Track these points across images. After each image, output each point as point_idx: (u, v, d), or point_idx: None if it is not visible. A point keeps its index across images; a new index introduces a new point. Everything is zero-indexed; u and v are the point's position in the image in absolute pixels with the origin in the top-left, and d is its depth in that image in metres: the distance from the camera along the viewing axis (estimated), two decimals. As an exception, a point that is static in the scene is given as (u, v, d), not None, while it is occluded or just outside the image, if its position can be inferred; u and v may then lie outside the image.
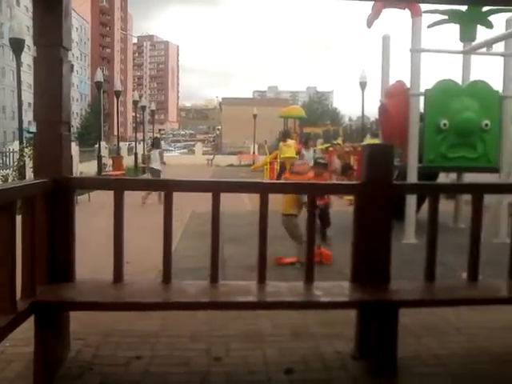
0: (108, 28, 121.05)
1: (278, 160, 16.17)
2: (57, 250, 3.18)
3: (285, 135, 16.41)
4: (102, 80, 22.92)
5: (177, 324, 3.94)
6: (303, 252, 5.93)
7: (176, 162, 35.88)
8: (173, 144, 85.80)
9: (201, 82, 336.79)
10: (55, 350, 3.11)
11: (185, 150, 57.72)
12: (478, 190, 3.62)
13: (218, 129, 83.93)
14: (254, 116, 37.74)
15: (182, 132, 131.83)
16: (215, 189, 3.35)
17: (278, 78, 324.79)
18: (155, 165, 14.19)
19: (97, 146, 22.80)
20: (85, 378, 3.07)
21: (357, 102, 22.66)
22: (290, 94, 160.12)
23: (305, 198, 3.91)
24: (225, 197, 3.39)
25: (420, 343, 3.68)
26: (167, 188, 3.31)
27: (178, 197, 3.41)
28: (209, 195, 3.37)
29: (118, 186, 3.33)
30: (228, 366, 3.28)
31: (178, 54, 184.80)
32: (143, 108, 34.60)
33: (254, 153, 36.78)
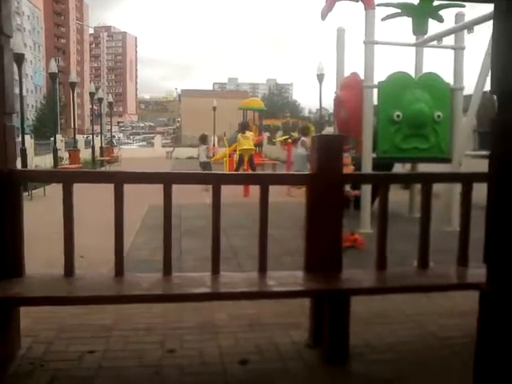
0: (63, 17, 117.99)
1: (237, 152, 16.15)
2: (4, 245, 3.10)
3: (243, 127, 16.37)
4: (57, 71, 22.30)
5: (131, 317, 3.91)
6: None
7: (135, 155, 35.48)
8: (131, 137, 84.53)
9: (160, 73, 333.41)
10: (4, 348, 3.04)
11: (144, 143, 57.00)
12: (427, 180, 3.72)
13: (178, 121, 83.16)
14: (214, 108, 37.52)
15: (142, 124, 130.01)
16: (166, 180, 3.32)
17: (239, 70, 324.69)
18: (203, 158, 15.39)
19: (53, 138, 22.25)
20: (36, 374, 3.01)
21: (316, 95, 22.79)
22: (250, 86, 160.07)
23: None
24: (183, 189, 3.36)
25: (372, 331, 3.75)
26: (116, 180, 3.26)
27: (136, 189, 3.37)
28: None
29: (66, 179, 3.27)
30: (182, 358, 3.28)
31: (136, 46, 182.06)
32: (100, 100, 33.97)
33: (213, 145, 36.58)
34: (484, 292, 1.67)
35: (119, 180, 3.30)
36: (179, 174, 3.91)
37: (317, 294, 3.30)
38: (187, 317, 3.95)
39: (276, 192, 9.48)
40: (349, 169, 7.05)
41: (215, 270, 3.40)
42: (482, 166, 7.63)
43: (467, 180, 3.75)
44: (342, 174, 3.52)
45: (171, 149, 38.49)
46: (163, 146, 41.63)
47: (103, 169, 24.06)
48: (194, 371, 3.13)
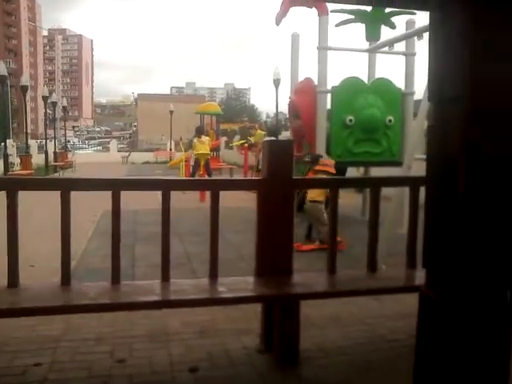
0: (14, 17, 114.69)
1: (193, 157, 16.05)
2: None
3: (199, 131, 16.29)
4: (7, 73, 21.68)
5: (81, 327, 3.82)
6: (327, 236, 6.47)
7: (90, 160, 34.79)
8: (87, 141, 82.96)
9: (117, 77, 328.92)
10: None
11: (99, 148, 55.98)
12: (376, 184, 3.77)
13: (135, 125, 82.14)
14: (171, 112, 37.25)
15: (97, 129, 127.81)
16: (115, 187, 3.26)
17: (197, 75, 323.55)
18: None
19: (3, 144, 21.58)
20: (-24, 391, 2.91)
21: (273, 99, 22.94)
22: (207, 90, 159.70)
23: None
24: (138, 195, 3.30)
25: (323, 334, 3.78)
26: (62, 187, 3.18)
27: (90, 194, 3.28)
28: (126, 194, 3.28)
29: (10, 187, 3.17)
30: (131, 367, 3.22)
31: (92, 49, 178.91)
32: (54, 104, 33.22)
33: (170, 149, 36.33)
34: (423, 295, 1.69)
35: (65, 187, 3.21)
36: (128, 180, 3.85)
37: (267, 299, 3.30)
38: (138, 325, 3.89)
39: (236, 197, 9.51)
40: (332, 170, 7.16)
41: (165, 278, 3.36)
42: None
43: (414, 183, 3.82)
44: (292, 179, 3.54)
45: (127, 154, 37.96)
46: (119, 151, 41.02)
47: (56, 175, 23.52)
48: (143, 380, 3.08)
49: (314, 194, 6.86)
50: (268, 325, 3.41)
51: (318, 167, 7.18)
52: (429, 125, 1.66)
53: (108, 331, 3.76)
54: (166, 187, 3.38)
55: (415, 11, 8.48)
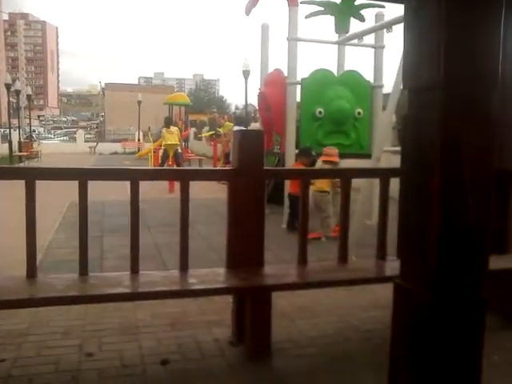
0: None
1: (162, 147, 15.91)
2: None
3: (168, 122, 16.14)
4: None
5: (48, 321, 3.74)
6: (328, 226, 6.98)
7: (56, 150, 34.21)
8: (53, 131, 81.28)
9: (84, 66, 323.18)
10: None
11: (66, 138, 54.90)
12: (346, 175, 3.78)
13: (102, 115, 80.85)
14: (139, 102, 36.77)
15: (64, 119, 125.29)
16: (81, 176, 3.18)
17: (165, 65, 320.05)
18: None
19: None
20: None
21: (243, 91, 22.82)
22: (176, 80, 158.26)
23: None
24: (106, 186, 3.22)
25: (295, 326, 3.78)
26: (27, 176, 3.08)
27: (58, 184, 3.20)
28: (93, 185, 3.20)
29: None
30: (101, 361, 3.17)
31: (57, 36, 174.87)
32: (18, 92, 32.42)
33: (138, 140, 35.95)
34: (398, 285, 1.70)
35: (31, 176, 3.12)
36: (95, 169, 3.78)
37: (238, 290, 3.28)
38: (107, 318, 3.83)
39: (206, 188, 9.45)
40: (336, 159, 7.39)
41: (134, 269, 3.31)
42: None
43: (384, 175, 3.85)
44: (263, 170, 3.51)
45: (94, 144, 37.43)
46: (86, 141, 40.40)
47: (22, 165, 23.00)
48: (113, 374, 3.03)
49: (322, 185, 7.02)
50: (239, 316, 3.40)
51: (324, 158, 7.32)
52: (404, 114, 1.65)
53: (76, 324, 3.69)
54: (134, 177, 3.32)
55: (384, 4, 8.56)
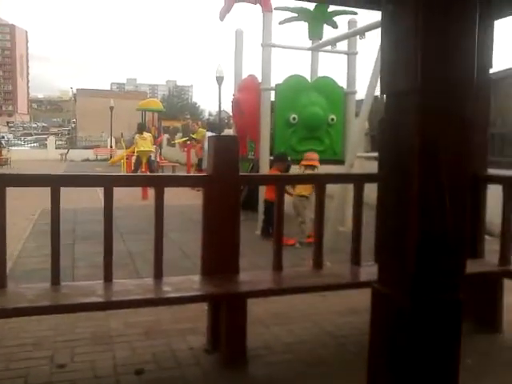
0: None
1: (135, 154, 15.77)
2: None
3: (141, 128, 16.03)
4: None
5: (17, 332, 3.64)
6: (303, 232, 6.99)
7: (26, 156, 33.61)
8: (23, 138, 79.93)
9: (55, 72, 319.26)
10: None
11: (36, 144, 54.03)
12: (320, 181, 3.79)
13: (73, 122, 79.81)
14: (111, 108, 36.48)
15: (34, 125, 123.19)
16: (54, 183, 3.11)
17: (137, 71, 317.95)
18: None
19: None
20: None
21: (216, 97, 22.84)
22: (149, 86, 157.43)
23: None
24: (79, 192, 3.16)
25: (270, 332, 3.77)
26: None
27: (30, 192, 3.11)
28: (65, 192, 3.13)
29: None
30: (73, 372, 3.09)
31: (27, 40, 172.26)
32: (-14, 98, 31.84)
33: (111, 147, 35.60)
34: (376, 290, 1.70)
35: (1, 183, 3.03)
36: (68, 176, 3.70)
37: (213, 298, 3.25)
38: (80, 327, 3.75)
39: (180, 195, 9.37)
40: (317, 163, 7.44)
41: (108, 278, 3.25)
42: (374, 166, 7.91)
43: (358, 181, 3.86)
44: (238, 176, 3.50)
45: (66, 151, 36.93)
46: (57, 148, 39.79)
47: (-7, 171, 22.54)
48: (85, 386, 2.96)
49: (301, 190, 7.06)
50: (214, 324, 3.36)
51: (304, 162, 7.39)
52: (381, 118, 1.65)
53: (48, 335, 3.61)
54: (108, 183, 3.27)
55: (357, 11, 8.65)
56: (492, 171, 4.06)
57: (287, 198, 4.55)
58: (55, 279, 3.18)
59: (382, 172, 1.63)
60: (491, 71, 3.81)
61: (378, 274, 1.68)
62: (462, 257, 1.57)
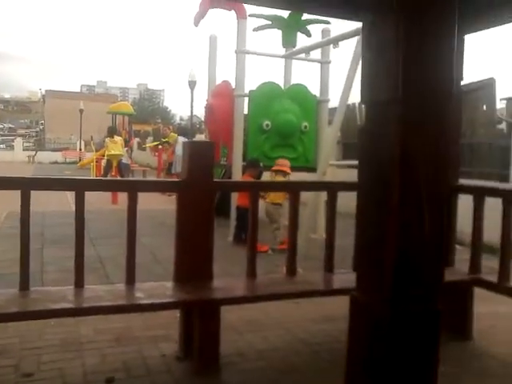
0: None
1: (105, 157, 15.60)
2: None
3: (111, 132, 15.86)
4: None
5: (-20, 339, 3.53)
6: (276, 238, 7.04)
7: (-9, 158, 32.94)
8: (-12, 139, 78.24)
9: (23, 72, 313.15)
10: None
11: (2, 146, 52.95)
12: (294, 188, 3.80)
13: (42, 123, 78.48)
14: (81, 111, 36.04)
15: (0, 126, 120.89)
16: (24, 186, 3.04)
17: (108, 73, 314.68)
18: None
19: None
20: None
21: (188, 102, 22.73)
22: (120, 89, 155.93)
23: None
24: (47, 196, 3.09)
25: (243, 339, 3.75)
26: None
27: None
28: (34, 193, 3.05)
29: None
30: (40, 381, 3.01)
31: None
32: (-49, 98, 31.11)
33: (80, 149, 35.16)
34: (354, 298, 1.70)
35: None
36: (39, 179, 3.63)
37: (186, 304, 3.22)
38: (48, 334, 3.66)
39: (151, 199, 9.28)
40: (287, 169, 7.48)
41: (79, 284, 3.18)
42: (346, 175, 8.00)
43: (332, 189, 3.89)
44: (213, 182, 3.48)
45: (33, 152, 36.31)
46: (25, 150, 39.11)
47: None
48: (54, 395, 2.90)
49: (275, 197, 7.08)
50: (187, 331, 3.33)
51: (275, 167, 7.43)
52: (360, 128, 1.67)
53: (13, 342, 3.51)
54: (80, 187, 3.21)
55: (330, 21, 8.75)
56: (463, 181, 4.13)
57: (260, 205, 4.54)
58: (24, 284, 3.10)
59: (361, 181, 1.64)
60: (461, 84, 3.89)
61: (357, 283, 1.68)
62: (440, 267, 1.59)
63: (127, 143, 20.36)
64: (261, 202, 7.31)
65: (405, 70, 1.47)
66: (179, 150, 9.57)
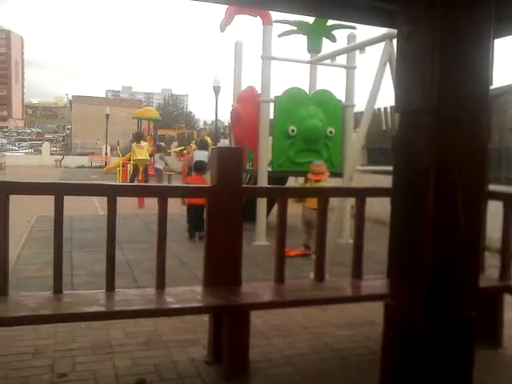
0: None
1: (131, 162, 15.77)
2: None
3: (138, 137, 16.04)
4: None
5: (14, 340, 3.61)
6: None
7: (20, 162, 33.49)
8: (17, 143, 79.63)
9: (50, 78, 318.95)
10: None
11: (31, 150, 53.83)
12: (324, 194, 3.80)
13: (68, 128, 79.62)
14: (107, 116, 36.44)
15: (29, 130, 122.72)
16: (58, 191, 3.11)
17: (133, 79, 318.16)
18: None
19: None
20: None
21: (212, 106, 22.89)
22: (144, 95, 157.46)
23: None
24: (75, 200, 3.16)
25: (271, 344, 3.76)
26: (3, 191, 2.99)
27: (22, 199, 3.12)
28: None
29: None
30: (74, 382, 3.08)
31: (22, 46, 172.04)
32: (-19, 103, 31.77)
33: (106, 154, 35.58)
34: (388, 305, 1.71)
35: (5, 191, 3.03)
36: (72, 184, 3.70)
37: (216, 309, 3.24)
38: (80, 336, 3.73)
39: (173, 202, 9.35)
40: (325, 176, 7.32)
41: (110, 287, 3.24)
42: (371, 180, 7.96)
43: (361, 195, 3.88)
44: (242, 187, 3.51)
45: (60, 157, 36.85)
46: (52, 154, 39.73)
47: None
48: (87, 396, 2.95)
49: (313, 202, 6.87)
50: (216, 335, 3.35)
51: (314, 177, 7.17)
52: (395, 135, 1.68)
53: (47, 343, 3.59)
54: (112, 193, 3.27)
55: (355, 25, 8.73)
56: (492, 187, 4.09)
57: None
58: (57, 288, 3.17)
59: (395, 189, 1.65)
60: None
61: (391, 290, 1.69)
62: (476, 274, 1.59)
63: (162, 148, 20.81)
64: (297, 207, 7.43)
65: (440, 78, 1.48)
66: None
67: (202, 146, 11.76)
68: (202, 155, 9.56)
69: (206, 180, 7.44)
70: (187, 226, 8.41)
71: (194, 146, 16.67)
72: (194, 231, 8.19)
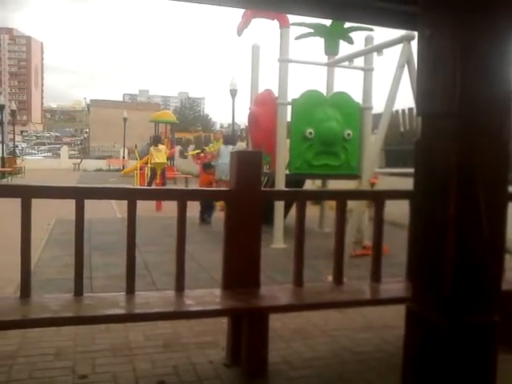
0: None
1: (149, 165, 15.88)
2: None
3: (156, 140, 16.16)
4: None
5: (38, 341, 3.66)
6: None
7: (40, 166, 33.93)
8: (36, 147, 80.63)
9: (68, 82, 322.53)
10: None
11: (49, 154, 54.50)
12: (342, 197, 3.80)
13: (86, 132, 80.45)
14: (124, 119, 36.75)
15: (47, 134, 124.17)
16: (79, 196, 3.15)
17: (150, 82, 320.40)
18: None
19: None
20: None
21: (228, 109, 23.00)
22: (161, 98, 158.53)
23: None
24: (93, 203, 3.20)
25: (290, 347, 3.76)
26: (25, 194, 3.04)
27: (41, 202, 3.17)
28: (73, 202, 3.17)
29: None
30: (95, 383, 3.10)
31: (42, 52, 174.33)
32: (2, 107, 32.20)
33: (123, 157, 35.87)
34: (410, 310, 1.70)
35: (27, 194, 3.08)
36: (93, 188, 3.73)
37: (235, 312, 3.25)
38: (99, 338, 3.77)
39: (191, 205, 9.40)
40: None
41: (130, 290, 3.27)
42: (389, 182, 7.90)
43: (380, 197, 3.87)
44: (261, 191, 3.52)
45: (79, 160, 37.25)
46: (70, 158, 40.18)
47: (5, 181, 22.74)
48: (107, 397, 2.98)
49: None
50: (235, 338, 3.36)
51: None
52: (416, 140, 1.67)
53: (68, 345, 3.63)
54: (132, 197, 3.30)
55: (373, 27, 8.70)
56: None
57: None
58: (78, 290, 3.20)
59: (417, 192, 1.65)
60: None
61: (413, 294, 1.68)
62: (498, 277, 1.58)
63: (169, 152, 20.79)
64: (314, 210, 7.43)
65: (462, 82, 1.48)
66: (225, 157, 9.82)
67: (228, 141, 11.94)
68: (227, 150, 9.84)
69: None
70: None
71: (211, 148, 16.74)
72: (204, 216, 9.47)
